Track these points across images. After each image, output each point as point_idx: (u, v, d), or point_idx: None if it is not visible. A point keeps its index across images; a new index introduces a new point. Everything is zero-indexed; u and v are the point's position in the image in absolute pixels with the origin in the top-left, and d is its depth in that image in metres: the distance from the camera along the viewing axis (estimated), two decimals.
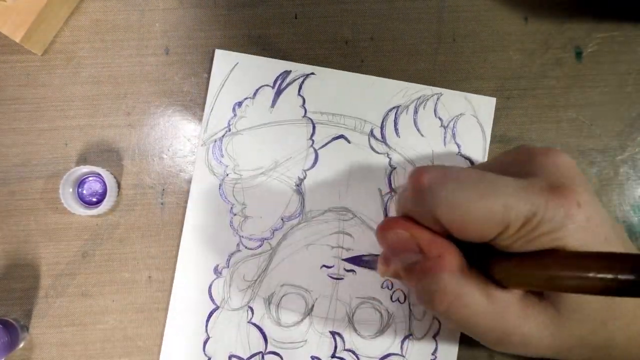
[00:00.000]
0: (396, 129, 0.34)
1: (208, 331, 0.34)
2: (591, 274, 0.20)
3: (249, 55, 0.35)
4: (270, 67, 0.35)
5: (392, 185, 0.34)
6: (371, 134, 0.34)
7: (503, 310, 0.24)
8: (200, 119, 0.35)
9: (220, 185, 0.34)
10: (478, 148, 0.34)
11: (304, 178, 0.34)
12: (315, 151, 0.34)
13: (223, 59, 0.35)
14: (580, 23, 0.36)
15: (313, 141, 0.34)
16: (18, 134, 0.35)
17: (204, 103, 0.35)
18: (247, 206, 0.34)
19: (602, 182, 0.35)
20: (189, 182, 0.35)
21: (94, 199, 0.35)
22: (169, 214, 0.35)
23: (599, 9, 0.36)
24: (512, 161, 0.27)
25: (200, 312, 0.34)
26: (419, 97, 0.35)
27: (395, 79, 0.35)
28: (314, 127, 0.34)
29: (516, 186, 0.22)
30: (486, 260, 0.24)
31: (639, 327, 0.24)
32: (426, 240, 0.24)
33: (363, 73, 0.35)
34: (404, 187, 0.26)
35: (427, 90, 0.35)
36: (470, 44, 0.36)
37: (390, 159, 0.34)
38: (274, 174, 0.34)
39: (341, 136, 0.34)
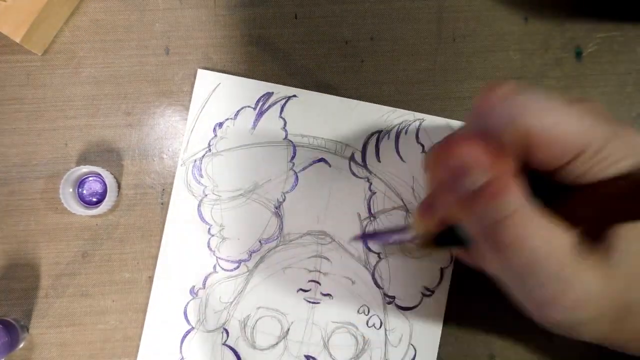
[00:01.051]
0: (377, 154, 0.34)
1: (182, 352, 0.33)
2: None
3: (231, 75, 0.35)
4: (252, 88, 0.35)
5: (372, 211, 0.34)
6: (352, 158, 0.34)
7: (564, 253, 0.21)
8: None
9: (198, 205, 0.34)
10: None
11: (283, 201, 0.34)
12: (295, 174, 0.34)
13: (205, 78, 0.35)
14: (580, 23, 0.36)
15: (293, 164, 0.34)
16: (18, 134, 0.35)
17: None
18: (225, 227, 0.34)
19: None
20: None
21: (94, 199, 0.35)
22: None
23: (599, 9, 0.36)
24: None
25: (175, 333, 0.33)
26: (401, 122, 0.35)
27: (395, 78, 0.35)
28: (294, 150, 0.34)
29: (598, 114, 0.21)
30: (548, 197, 0.22)
31: None
32: (498, 156, 0.21)
33: (363, 73, 0.35)
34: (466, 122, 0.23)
35: (409, 115, 0.35)
36: (470, 44, 0.36)
37: (370, 183, 0.34)
38: (253, 196, 0.34)
39: (322, 159, 0.34)
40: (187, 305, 0.34)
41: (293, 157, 0.34)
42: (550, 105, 0.20)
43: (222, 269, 0.34)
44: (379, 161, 0.34)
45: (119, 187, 0.34)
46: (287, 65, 0.35)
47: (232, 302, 0.34)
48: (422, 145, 0.34)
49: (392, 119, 0.34)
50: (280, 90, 0.35)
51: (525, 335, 0.34)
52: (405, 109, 0.35)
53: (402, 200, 0.34)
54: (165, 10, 0.35)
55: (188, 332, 0.34)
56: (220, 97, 0.34)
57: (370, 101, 0.35)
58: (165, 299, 0.34)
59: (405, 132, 0.34)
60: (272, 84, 0.34)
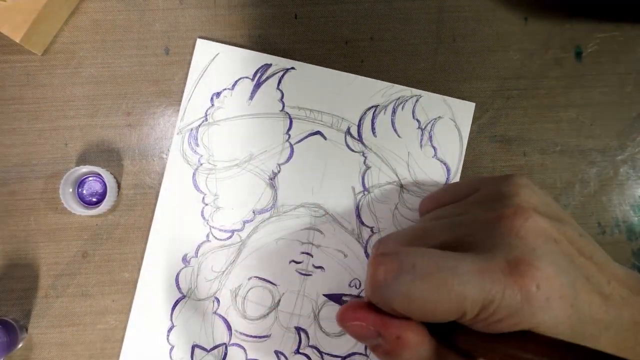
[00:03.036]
0: (373, 129, 0.34)
1: (173, 320, 0.33)
2: None
3: (230, 46, 0.35)
4: (250, 59, 0.35)
5: (366, 185, 0.34)
6: (348, 131, 0.34)
7: None
8: None
9: (193, 174, 0.34)
10: (454, 152, 0.34)
11: (278, 172, 0.34)
12: (291, 146, 0.34)
13: (204, 48, 0.35)
14: (580, 23, 0.36)
15: (289, 136, 0.34)
16: (18, 134, 0.35)
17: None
18: (219, 197, 0.34)
19: (602, 182, 0.35)
20: None
21: (94, 199, 0.35)
22: None
23: (599, 9, 0.36)
24: (480, 199, 0.27)
25: (166, 300, 0.34)
26: (398, 98, 0.35)
27: (395, 78, 0.35)
28: (290, 122, 0.34)
29: (473, 271, 0.22)
30: (452, 331, 0.25)
31: None
32: (383, 326, 0.25)
33: (363, 73, 0.35)
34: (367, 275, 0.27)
35: (407, 91, 0.35)
36: (470, 44, 0.36)
37: (365, 157, 0.34)
38: (248, 166, 0.34)
39: (317, 132, 0.34)
40: (178, 273, 0.34)
41: (289, 129, 0.34)
42: (414, 296, 0.23)
43: (215, 238, 0.34)
44: (375, 136, 0.34)
45: (118, 187, 0.34)
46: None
47: (224, 272, 0.34)
48: (418, 122, 0.34)
49: (389, 94, 0.35)
50: (279, 62, 0.35)
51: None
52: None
53: (396, 175, 0.34)
54: (165, 10, 0.35)
55: (179, 300, 0.34)
56: (218, 67, 0.35)
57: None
58: (157, 267, 0.34)
59: (402, 108, 0.34)
60: (271, 56, 0.35)
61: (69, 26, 0.35)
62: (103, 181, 0.34)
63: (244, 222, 0.34)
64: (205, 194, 0.34)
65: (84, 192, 0.35)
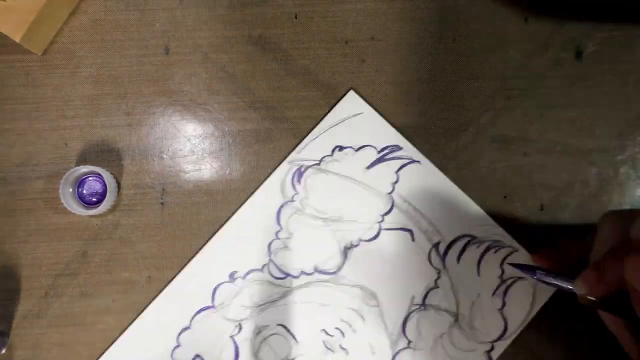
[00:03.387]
0: (460, 255, 0.34)
1: (192, 323, 0.33)
2: None
3: (375, 112, 0.35)
4: (387, 133, 0.35)
5: (425, 301, 0.34)
6: (436, 245, 0.34)
7: None
8: (200, 119, 0.35)
9: (281, 205, 0.34)
10: (519, 317, 0.34)
11: (356, 246, 0.34)
12: (380, 229, 0.34)
13: (352, 101, 0.35)
14: (580, 23, 0.36)
15: (383, 219, 0.34)
16: (18, 134, 0.35)
17: (204, 102, 0.35)
18: (293, 238, 0.34)
19: (602, 182, 0.35)
20: (189, 182, 0.35)
21: (94, 199, 0.35)
22: (169, 213, 0.35)
23: (599, 9, 0.36)
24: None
25: (194, 302, 0.34)
26: (497, 241, 0.34)
27: (395, 78, 0.35)
28: (392, 208, 0.34)
29: None
30: None
31: None
32: None
33: (363, 73, 0.35)
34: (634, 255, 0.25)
35: (507, 238, 0.34)
36: (470, 44, 0.35)
37: (439, 277, 0.34)
38: (333, 226, 0.34)
39: (409, 230, 0.34)
40: (220, 284, 0.34)
41: (387, 214, 0.34)
42: None
43: (269, 272, 0.34)
44: (458, 262, 0.34)
45: (119, 187, 0.34)
46: (287, 65, 0.35)
47: (260, 306, 0.34)
48: (503, 271, 0.34)
49: (491, 232, 0.34)
50: (409, 150, 0.35)
51: (525, 335, 0.34)
52: (404, 108, 0.35)
53: (457, 307, 0.34)
54: (165, 10, 0.35)
55: (206, 307, 0.34)
56: (355, 124, 0.34)
57: (370, 100, 0.35)
58: (202, 268, 0.34)
59: (495, 252, 0.34)
60: (405, 140, 0.35)
61: (69, 26, 0.35)
62: (103, 181, 0.34)
63: (302, 272, 0.34)
64: (281, 229, 0.34)
65: (84, 192, 0.35)
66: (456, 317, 0.34)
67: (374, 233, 0.34)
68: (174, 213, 0.35)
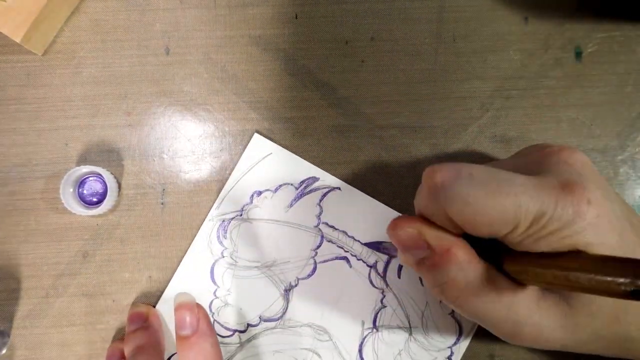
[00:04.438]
0: (399, 270, 0.34)
1: None
2: (607, 278, 0.20)
3: (284, 149, 0.34)
4: (300, 167, 0.34)
5: (376, 323, 0.34)
6: (374, 266, 0.34)
7: (513, 303, 0.24)
8: (200, 119, 0.35)
9: (213, 264, 0.34)
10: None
11: (295, 286, 0.34)
12: (315, 264, 0.34)
13: (258, 144, 0.34)
14: (580, 23, 0.36)
15: (316, 253, 0.34)
16: (18, 134, 0.35)
17: (204, 102, 0.35)
18: (232, 294, 0.34)
19: None
20: (189, 182, 0.35)
21: (95, 199, 0.35)
22: (169, 214, 0.35)
23: (599, 9, 0.36)
24: (527, 160, 0.27)
25: None
26: None
27: (395, 78, 0.35)
28: (322, 240, 0.34)
29: (527, 184, 0.23)
30: (500, 255, 0.25)
31: None
32: (434, 237, 0.25)
33: (363, 73, 0.35)
34: (421, 186, 0.26)
35: None
36: (470, 44, 0.36)
37: (383, 296, 0.34)
38: (268, 272, 0.34)
39: (344, 258, 0.34)
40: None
41: (318, 247, 0.34)
42: (471, 199, 0.23)
43: (217, 333, 0.33)
44: (399, 277, 0.34)
45: (119, 187, 0.34)
46: (287, 65, 0.35)
47: None
48: None
49: None
50: (326, 179, 0.34)
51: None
52: (403, 108, 0.35)
53: (408, 322, 0.34)
54: (165, 10, 0.35)
55: None
56: (267, 166, 0.34)
57: (370, 101, 0.35)
58: None
59: None
60: (320, 170, 0.34)
61: (69, 26, 0.35)
62: (103, 181, 0.34)
63: (248, 325, 0.34)
64: (218, 287, 0.34)
65: (85, 192, 0.35)
66: (410, 331, 0.34)
67: (310, 269, 0.34)
68: (174, 213, 0.35)
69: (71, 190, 0.34)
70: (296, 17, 0.36)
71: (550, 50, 0.36)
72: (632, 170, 0.35)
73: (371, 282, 0.34)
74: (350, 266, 0.34)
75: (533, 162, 0.26)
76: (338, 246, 0.34)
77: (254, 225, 0.34)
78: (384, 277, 0.34)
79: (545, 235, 0.22)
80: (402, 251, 0.27)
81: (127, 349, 0.31)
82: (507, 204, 0.22)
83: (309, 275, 0.34)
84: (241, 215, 0.34)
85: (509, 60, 0.36)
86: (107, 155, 0.35)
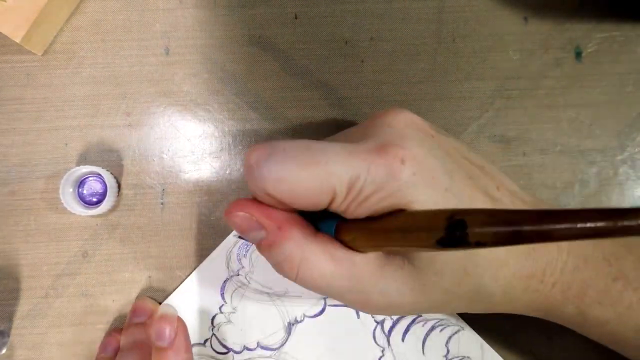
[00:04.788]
0: (404, 333, 0.34)
1: None
2: (418, 233, 0.20)
3: None
4: None
5: None
6: (381, 323, 0.34)
7: (355, 271, 0.24)
8: (200, 119, 0.35)
9: (226, 279, 0.34)
10: None
11: (300, 321, 0.34)
12: (325, 305, 0.34)
13: None
14: (580, 23, 0.36)
15: None
16: (18, 134, 0.35)
17: (204, 102, 0.35)
18: (236, 313, 0.34)
19: (602, 182, 0.35)
20: (189, 182, 0.35)
21: (94, 199, 0.35)
22: (169, 214, 0.35)
23: (599, 9, 0.36)
24: (358, 129, 0.27)
25: None
26: (441, 320, 0.34)
27: (395, 78, 0.35)
28: None
29: (341, 152, 0.23)
30: (338, 224, 0.25)
31: (512, 272, 0.25)
32: (264, 216, 0.25)
33: (363, 73, 0.35)
34: None
35: (453, 318, 0.34)
36: (470, 44, 0.36)
37: (382, 355, 0.34)
38: (277, 301, 0.34)
39: None
40: None
41: None
42: (283, 175, 0.23)
43: (212, 347, 0.33)
44: (402, 341, 0.34)
45: (119, 187, 0.34)
46: (287, 65, 0.35)
47: None
48: (448, 350, 0.33)
49: (435, 313, 0.34)
50: None
51: (524, 334, 0.34)
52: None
53: None
54: (165, 10, 0.35)
55: None
56: None
57: (370, 101, 0.35)
58: None
59: (440, 330, 0.34)
60: None
61: (69, 26, 0.35)
62: (103, 181, 0.34)
63: (245, 348, 0.34)
64: (225, 303, 0.34)
65: (84, 192, 0.35)
66: None
67: (319, 309, 0.34)
68: (174, 213, 0.35)
69: (71, 190, 0.34)
70: (296, 17, 0.36)
71: (550, 50, 0.36)
72: (632, 170, 0.35)
73: (374, 338, 0.34)
74: (358, 317, 0.34)
75: (361, 130, 0.26)
76: None
77: None
78: (388, 336, 0.34)
79: (363, 199, 0.23)
80: (241, 235, 0.26)
81: (124, 340, 0.31)
82: (319, 174, 0.22)
83: (316, 315, 0.34)
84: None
85: (509, 60, 0.36)
86: (107, 155, 0.35)
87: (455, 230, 0.18)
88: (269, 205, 0.25)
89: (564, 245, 0.26)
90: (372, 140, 0.23)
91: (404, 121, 0.25)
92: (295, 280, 0.25)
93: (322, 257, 0.24)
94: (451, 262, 0.24)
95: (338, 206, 0.23)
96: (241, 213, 0.25)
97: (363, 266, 0.24)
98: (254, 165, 0.24)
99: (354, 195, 0.23)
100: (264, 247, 0.25)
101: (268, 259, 0.26)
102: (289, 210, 0.25)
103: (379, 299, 0.25)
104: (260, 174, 0.23)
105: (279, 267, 0.25)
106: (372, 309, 0.26)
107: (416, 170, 0.22)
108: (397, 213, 0.22)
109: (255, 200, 0.25)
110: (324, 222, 0.26)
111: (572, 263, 0.25)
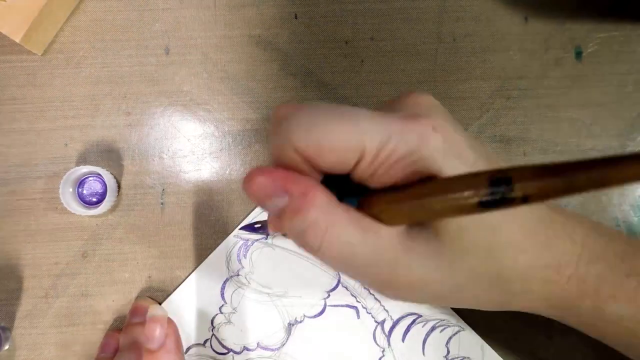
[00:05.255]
0: (405, 334, 0.34)
1: None
2: (455, 195, 0.20)
3: None
4: None
5: None
6: (381, 323, 0.34)
7: (382, 244, 0.23)
8: (200, 119, 0.35)
9: (225, 280, 0.34)
10: None
11: (300, 322, 0.34)
12: (325, 305, 0.34)
13: None
14: (580, 23, 0.36)
15: (329, 295, 0.34)
16: (18, 134, 0.35)
17: (204, 102, 0.35)
18: (236, 313, 0.34)
19: None
20: (189, 182, 0.35)
21: (94, 199, 0.35)
22: (169, 214, 0.35)
23: (599, 9, 0.36)
24: (383, 107, 0.27)
25: None
26: (442, 319, 0.34)
27: (395, 78, 0.35)
28: (337, 285, 0.34)
29: (374, 115, 0.23)
30: (361, 199, 0.25)
31: (530, 260, 0.24)
32: (289, 181, 0.23)
33: (363, 73, 0.35)
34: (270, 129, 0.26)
35: (453, 319, 0.34)
36: (470, 44, 0.36)
37: (383, 355, 0.34)
38: (277, 301, 0.34)
39: (354, 307, 0.34)
40: None
41: (332, 290, 0.34)
42: (314, 125, 0.22)
43: (212, 347, 0.34)
44: (402, 341, 0.34)
45: (119, 187, 0.34)
46: (287, 65, 0.35)
47: None
48: (448, 351, 0.34)
49: (436, 312, 0.34)
50: None
51: (524, 334, 0.34)
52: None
53: None
54: (165, 10, 0.35)
55: None
56: None
57: (370, 101, 0.35)
58: None
59: (441, 331, 0.34)
60: None
61: (69, 26, 0.35)
62: (103, 181, 0.34)
63: (245, 348, 0.34)
64: (225, 303, 0.34)
65: (84, 192, 0.35)
66: None
67: (319, 309, 0.34)
68: (174, 213, 0.35)
69: (71, 190, 0.34)
70: (296, 17, 0.35)
71: (550, 50, 0.36)
72: None
73: (374, 338, 0.34)
74: (358, 317, 0.34)
75: (386, 107, 0.26)
76: (352, 294, 0.34)
77: (276, 252, 0.34)
78: (388, 336, 0.34)
79: (393, 164, 0.22)
80: (261, 205, 0.25)
81: (123, 340, 0.31)
82: (351, 129, 0.22)
83: (316, 316, 0.34)
84: (266, 239, 0.34)
85: (509, 60, 0.36)
86: (107, 155, 0.35)
87: (500, 186, 0.18)
88: (293, 172, 0.24)
89: (578, 239, 0.26)
90: (402, 112, 0.23)
91: (428, 100, 0.25)
92: (317, 252, 0.24)
93: (349, 225, 0.23)
94: (477, 239, 0.24)
95: (364, 170, 0.23)
96: (262, 178, 0.24)
97: (389, 239, 0.23)
98: (282, 117, 0.23)
99: (383, 157, 0.22)
100: (287, 215, 0.23)
101: (290, 229, 0.24)
102: (313, 177, 0.24)
103: (403, 276, 0.24)
104: (289, 125, 0.22)
105: (301, 237, 0.24)
106: (393, 289, 0.25)
107: (446, 138, 0.22)
108: (427, 180, 0.22)
109: (279, 166, 0.24)
110: (345, 200, 0.25)
111: (586, 256, 0.25)
